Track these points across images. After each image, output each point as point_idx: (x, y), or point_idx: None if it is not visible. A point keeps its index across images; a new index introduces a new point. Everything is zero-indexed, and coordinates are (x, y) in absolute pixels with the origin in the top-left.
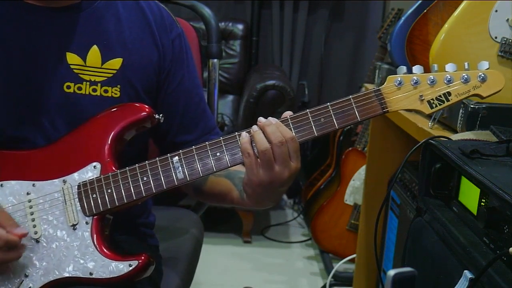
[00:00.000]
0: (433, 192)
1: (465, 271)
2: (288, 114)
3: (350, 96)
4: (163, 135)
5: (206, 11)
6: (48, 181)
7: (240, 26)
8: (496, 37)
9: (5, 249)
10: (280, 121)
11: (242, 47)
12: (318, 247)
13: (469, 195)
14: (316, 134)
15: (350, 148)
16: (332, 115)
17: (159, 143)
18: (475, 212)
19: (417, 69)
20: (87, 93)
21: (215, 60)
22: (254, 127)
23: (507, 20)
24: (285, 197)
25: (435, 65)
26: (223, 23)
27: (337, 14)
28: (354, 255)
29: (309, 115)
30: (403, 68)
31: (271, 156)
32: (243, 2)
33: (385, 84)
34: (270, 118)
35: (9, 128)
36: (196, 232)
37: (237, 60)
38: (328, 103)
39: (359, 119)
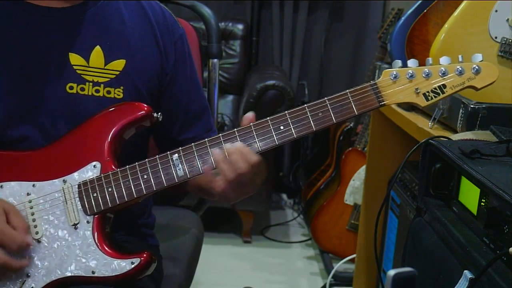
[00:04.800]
0: (433, 192)
1: (465, 271)
2: (250, 117)
3: (347, 91)
4: (165, 134)
5: (206, 11)
6: (48, 181)
7: (240, 26)
8: (496, 37)
9: (15, 253)
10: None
11: (242, 47)
12: (318, 247)
13: (469, 195)
14: (314, 129)
15: (350, 148)
16: (330, 109)
17: (160, 141)
18: (475, 212)
19: (412, 62)
20: (90, 94)
21: (215, 60)
22: (227, 146)
23: (507, 20)
24: (285, 197)
25: (430, 58)
26: (223, 23)
27: (337, 14)
28: (354, 255)
29: (307, 109)
30: (398, 62)
31: (236, 181)
32: (243, 2)
33: (381, 78)
34: (236, 144)
35: (11, 128)
36: (196, 232)
37: (237, 60)
38: (326, 98)
39: (356, 112)
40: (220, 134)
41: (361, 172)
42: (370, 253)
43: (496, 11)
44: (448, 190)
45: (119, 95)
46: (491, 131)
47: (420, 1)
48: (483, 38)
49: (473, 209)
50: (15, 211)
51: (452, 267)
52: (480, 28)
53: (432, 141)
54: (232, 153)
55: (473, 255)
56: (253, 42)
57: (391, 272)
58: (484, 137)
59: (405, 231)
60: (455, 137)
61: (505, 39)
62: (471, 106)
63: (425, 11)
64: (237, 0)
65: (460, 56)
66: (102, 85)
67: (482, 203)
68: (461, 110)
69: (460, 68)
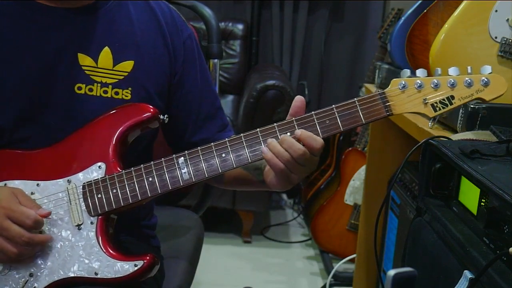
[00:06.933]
0: (433, 192)
1: (465, 271)
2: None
3: (355, 99)
4: (180, 136)
5: (206, 11)
6: (53, 181)
7: (240, 26)
8: (496, 37)
9: (35, 230)
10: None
11: (242, 47)
12: (318, 247)
13: (469, 195)
14: (321, 136)
15: (350, 148)
16: (337, 117)
17: (175, 144)
18: (475, 212)
19: (420, 72)
20: (98, 94)
21: (216, 60)
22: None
23: (507, 20)
24: (285, 197)
25: (439, 68)
26: (223, 23)
27: (337, 14)
28: (354, 255)
29: (314, 117)
30: (407, 72)
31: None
32: (243, 2)
33: (389, 87)
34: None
35: (19, 127)
36: (196, 232)
37: (237, 60)
38: (333, 105)
39: (363, 121)
40: (227, 139)
41: (361, 172)
42: (370, 253)
43: (496, 11)
44: (448, 190)
45: (127, 96)
46: (491, 131)
47: (420, 1)
48: (483, 38)
49: (473, 209)
50: (23, 193)
51: (452, 267)
52: (480, 28)
53: (432, 141)
54: (282, 137)
55: (473, 255)
56: (253, 42)
57: (391, 272)
58: (484, 137)
59: (405, 231)
60: (455, 137)
61: (505, 39)
62: (471, 106)
63: (425, 11)
64: (237, 0)
65: (469, 68)
66: (110, 86)
67: (482, 203)
68: (461, 110)
69: (469, 80)
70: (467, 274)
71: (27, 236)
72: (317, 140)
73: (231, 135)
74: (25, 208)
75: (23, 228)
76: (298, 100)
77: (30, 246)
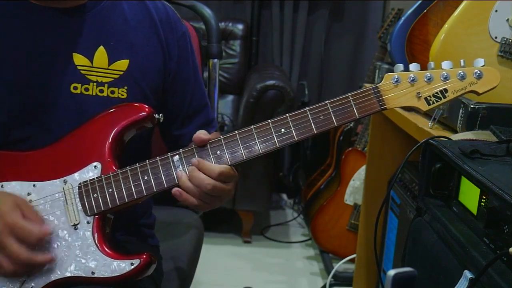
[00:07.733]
0: (433, 192)
1: (465, 271)
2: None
3: (349, 94)
4: (169, 129)
5: (206, 11)
6: (49, 181)
7: (240, 26)
8: (496, 37)
9: (36, 247)
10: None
11: (242, 47)
12: (318, 247)
13: (469, 195)
14: (315, 132)
15: (350, 148)
16: (331, 112)
17: (164, 135)
18: (475, 212)
19: (413, 66)
20: (94, 94)
21: (215, 60)
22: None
23: (507, 20)
24: (285, 197)
25: (432, 62)
26: (223, 23)
27: (337, 14)
28: (354, 255)
29: (308, 113)
30: (400, 66)
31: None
32: (243, 2)
33: (382, 81)
34: (196, 160)
35: (15, 129)
36: (196, 232)
37: (237, 60)
38: (327, 101)
39: (357, 116)
40: (221, 137)
41: (361, 172)
42: (370, 253)
43: (496, 11)
44: (448, 190)
45: (123, 95)
46: (491, 131)
47: (420, 1)
48: (483, 38)
49: (473, 209)
50: (26, 205)
51: (452, 267)
52: (480, 28)
53: (432, 141)
54: (191, 172)
55: (473, 255)
56: (253, 42)
57: (391, 272)
58: (484, 137)
59: (405, 231)
60: (455, 137)
61: (505, 39)
62: (471, 106)
63: (425, 11)
64: (237, 0)
65: (462, 61)
66: (106, 85)
67: (482, 203)
68: (461, 110)
69: (462, 73)
70: (467, 274)
71: (25, 257)
72: (214, 170)
73: (212, 131)
74: (29, 225)
75: (25, 244)
76: (198, 139)
77: (27, 267)
